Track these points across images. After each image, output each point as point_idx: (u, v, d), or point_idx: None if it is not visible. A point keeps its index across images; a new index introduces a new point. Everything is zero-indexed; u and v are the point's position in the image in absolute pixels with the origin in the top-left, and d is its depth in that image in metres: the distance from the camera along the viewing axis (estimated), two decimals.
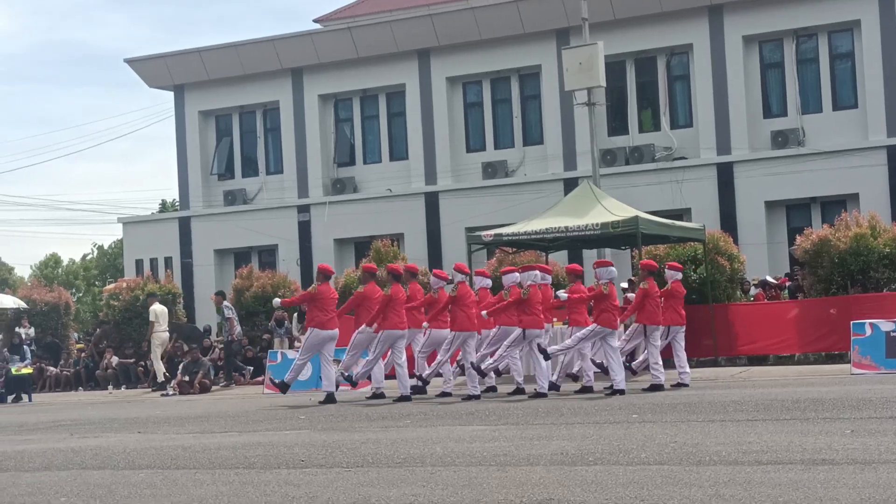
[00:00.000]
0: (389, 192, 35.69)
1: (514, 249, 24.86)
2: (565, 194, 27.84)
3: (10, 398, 25.33)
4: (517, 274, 17.91)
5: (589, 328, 17.24)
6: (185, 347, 26.17)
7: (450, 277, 18.64)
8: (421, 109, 35.75)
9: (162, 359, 26.12)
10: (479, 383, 17.81)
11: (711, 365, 22.32)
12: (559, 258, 27.47)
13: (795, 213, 31.60)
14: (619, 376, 16.97)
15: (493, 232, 23.08)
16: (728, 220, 30.76)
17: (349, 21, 37.85)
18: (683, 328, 18.54)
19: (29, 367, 27.27)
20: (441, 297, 18.28)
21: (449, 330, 18.01)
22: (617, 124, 33.94)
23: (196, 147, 38.85)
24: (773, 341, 22.38)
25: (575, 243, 24.90)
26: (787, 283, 25.95)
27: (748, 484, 7.20)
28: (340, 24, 38.02)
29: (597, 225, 21.52)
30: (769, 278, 26.29)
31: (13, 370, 25.95)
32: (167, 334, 26.34)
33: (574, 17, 30.64)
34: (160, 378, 25.68)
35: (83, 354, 29.48)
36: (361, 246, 34.02)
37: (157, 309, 26.09)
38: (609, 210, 22.11)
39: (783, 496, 6.69)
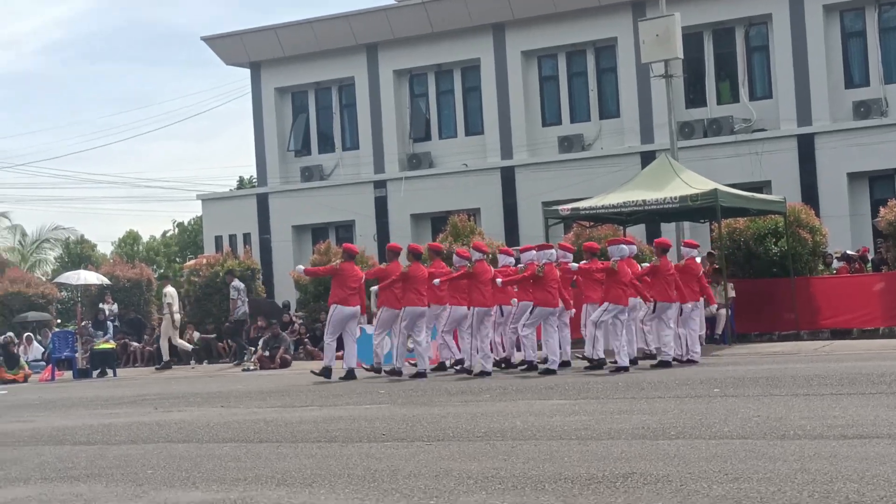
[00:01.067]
0: (465, 167, 35.66)
1: (592, 223, 24.75)
2: (642, 167, 27.61)
3: (94, 373, 25.75)
4: (534, 252, 17.93)
5: (602, 307, 17.30)
6: (266, 323, 26.41)
7: (470, 256, 18.44)
8: (496, 84, 35.63)
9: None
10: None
11: (793, 339, 22.06)
12: (637, 232, 27.28)
13: (879, 184, 31.04)
14: (622, 353, 17.02)
15: (570, 206, 23.01)
16: (809, 193, 30.32)
17: None
18: (699, 304, 18.48)
19: (112, 342, 27.71)
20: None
21: (468, 307, 17.92)
22: (695, 96, 33.57)
23: (273, 124, 39.11)
24: (856, 315, 22.08)
25: (653, 217, 24.72)
26: (867, 253, 25.54)
27: (834, 458, 7.11)
28: None
29: (675, 198, 21.38)
30: (850, 252, 25.89)
31: (97, 345, 26.39)
32: (178, 315, 26.71)
33: None
34: (189, 349, 26.61)
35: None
36: (438, 221, 34.06)
37: (171, 291, 26.46)
38: (687, 183, 21.93)
39: (870, 470, 6.60)
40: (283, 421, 11.47)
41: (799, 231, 23.14)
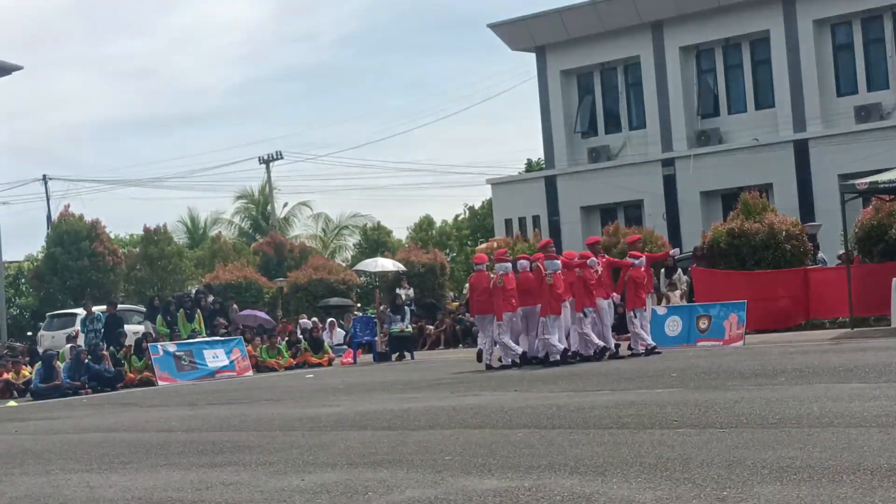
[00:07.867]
0: (756, 142, 34.82)
1: (892, 197, 23.72)
2: None
3: (393, 356, 26.66)
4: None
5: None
6: None
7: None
8: (787, 55, 34.60)
9: None
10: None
11: None
12: None
13: None
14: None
15: (867, 179, 22.15)
16: None
17: None
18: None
19: (410, 326, 28.58)
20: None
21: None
22: None
23: (559, 106, 39.32)
24: None
25: None
26: None
27: None
28: None
29: None
30: None
31: (395, 329, 27.28)
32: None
33: None
34: None
35: (459, 314, 30.57)
36: (728, 198, 33.42)
37: None
38: None
39: None
40: (574, 406, 11.60)
41: None
